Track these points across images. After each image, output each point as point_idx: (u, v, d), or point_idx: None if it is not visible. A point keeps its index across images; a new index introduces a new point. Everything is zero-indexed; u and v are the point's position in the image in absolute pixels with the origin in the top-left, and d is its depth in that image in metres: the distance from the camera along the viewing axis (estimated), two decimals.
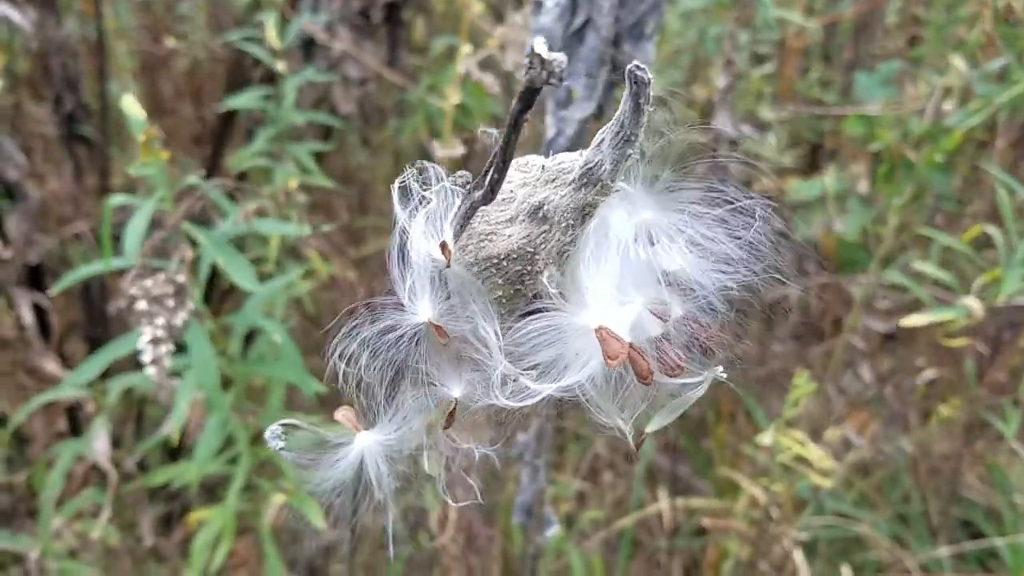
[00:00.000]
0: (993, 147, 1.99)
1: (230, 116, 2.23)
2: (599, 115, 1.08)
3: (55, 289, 1.27)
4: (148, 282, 1.14)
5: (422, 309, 0.49)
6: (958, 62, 1.82)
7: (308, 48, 2.15)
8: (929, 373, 1.99)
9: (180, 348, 1.36)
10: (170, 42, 2.55)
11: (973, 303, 1.57)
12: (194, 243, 1.21)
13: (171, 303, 1.13)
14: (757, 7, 1.71)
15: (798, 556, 1.60)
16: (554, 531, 1.37)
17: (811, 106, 2.31)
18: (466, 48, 1.64)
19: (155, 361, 1.15)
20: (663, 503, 1.92)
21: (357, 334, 0.51)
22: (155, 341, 1.15)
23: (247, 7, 2.23)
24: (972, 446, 1.95)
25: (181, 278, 1.15)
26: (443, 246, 0.47)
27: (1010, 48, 1.83)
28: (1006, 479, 1.94)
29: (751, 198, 0.50)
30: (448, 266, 0.47)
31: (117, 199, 1.21)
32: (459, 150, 1.76)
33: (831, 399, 2.01)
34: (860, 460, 1.97)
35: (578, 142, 1.08)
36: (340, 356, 0.51)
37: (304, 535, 1.93)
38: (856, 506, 1.94)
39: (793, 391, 1.36)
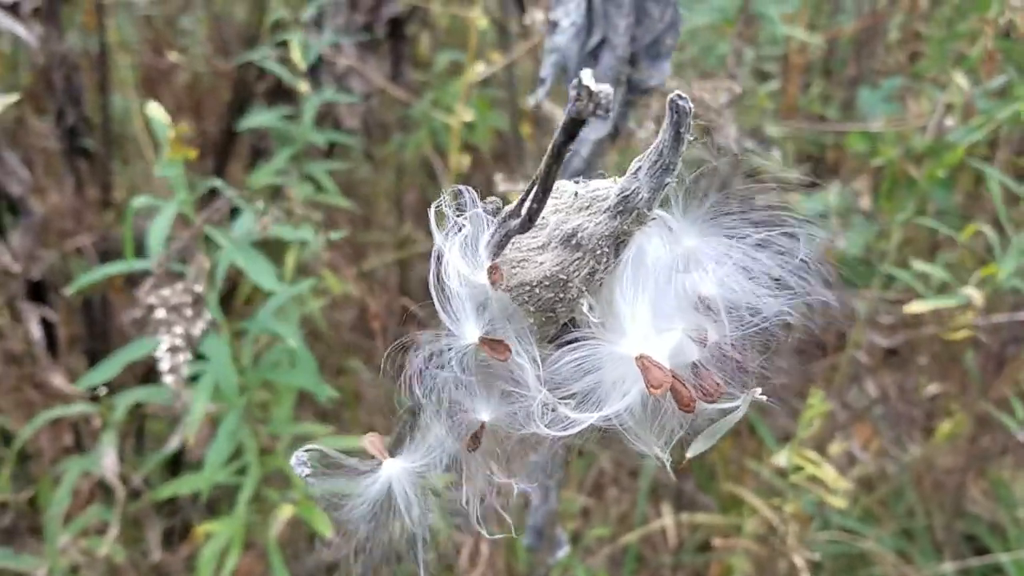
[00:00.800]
0: (994, 162, 2.00)
1: (234, 131, 2.23)
2: (615, 135, 1.08)
3: (73, 287, 1.26)
4: (166, 291, 1.14)
5: (469, 331, 0.48)
6: (960, 78, 1.83)
7: (313, 63, 2.15)
8: (933, 388, 1.99)
9: (195, 355, 1.36)
10: (172, 56, 2.55)
11: (973, 292, 1.57)
12: (210, 245, 1.21)
13: (189, 312, 1.13)
14: (762, 23, 1.72)
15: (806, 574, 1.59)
16: (564, 552, 1.36)
17: (814, 122, 2.32)
18: (479, 67, 1.64)
19: (173, 369, 1.15)
20: (667, 519, 1.91)
21: (412, 363, 0.50)
22: (173, 350, 1.15)
23: (266, 28, 2.23)
24: (976, 460, 1.96)
25: (199, 287, 1.15)
26: (493, 269, 0.46)
27: (1012, 64, 1.84)
28: (1011, 494, 1.94)
29: (787, 222, 0.50)
30: (496, 290, 0.46)
31: (140, 200, 1.21)
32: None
33: (835, 414, 2.01)
34: (864, 475, 1.97)
35: (593, 162, 1.08)
36: (402, 385, 0.51)
37: (306, 553, 1.92)
38: (860, 521, 1.94)
39: (807, 410, 1.36)
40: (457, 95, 1.77)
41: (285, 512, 1.48)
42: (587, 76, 0.37)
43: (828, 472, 1.39)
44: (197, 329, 1.13)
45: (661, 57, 1.08)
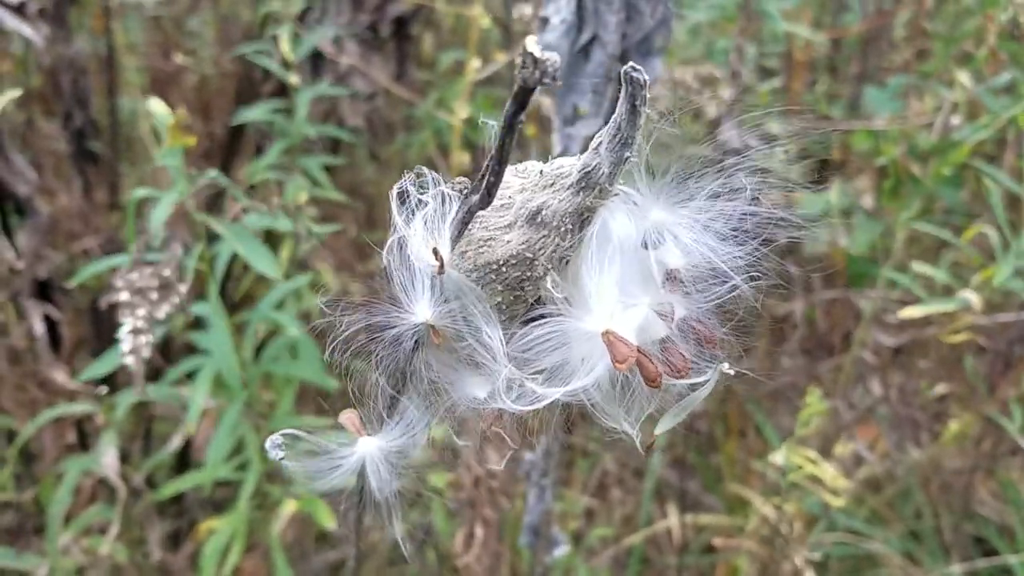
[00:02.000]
0: (1002, 161, 1.98)
1: (239, 131, 2.24)
2: None
3: (75, 280, 1.28)
4: (133, 275, 1.15)
5: (420, 310, 0.48)
6: (964, 77, 1.82)
7: (316, 62, 2.15)
8: (940, 388, 1.97)
9: (193, 350, 1.36)
10: (179, 58, 2.57)
11: (971, 295, 1.56)
12: (210, 237, 1.22)
13: (155, 296, 1.14)
14: (764, 20, 1.72)
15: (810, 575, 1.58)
16: (562, 551, 1.36)
17: (819, 120, 2.31)
18: (475, 63, 1.64)
19: (134, 351, 1.16)
20: (672, 519, 1.90)
21: (357, 329, 0.50)
22: (135, 332, 1.16)
23: (257, 23, 2.24)
24: (984, 461, 1.94)
25: (167, 272, 1.16)
26: (435, 251, 0.46)
27: (1016, 63, 1.83)
28: (1019, 495, 1.92)
29: (749, 188, 0.49)
30: (441, 272, 0.47)
31: (140, 192, 1.22)
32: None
33: (841, 414, 2.00)
34: (871, 476, 1.96)
35: None
36: (341, 351, 0.51)
37: (311, 552, 1.93)
38: (867, 522, 1.92)
39: (805, 409, 1.35)
40: (459, 94, 1.77)
41: (288, 508, 1.48)
42: (531, 43, 0.37)
43: (827, 471, 1.38)
44: (162, 312, 1.14)
45: (652, 54, 1.08)
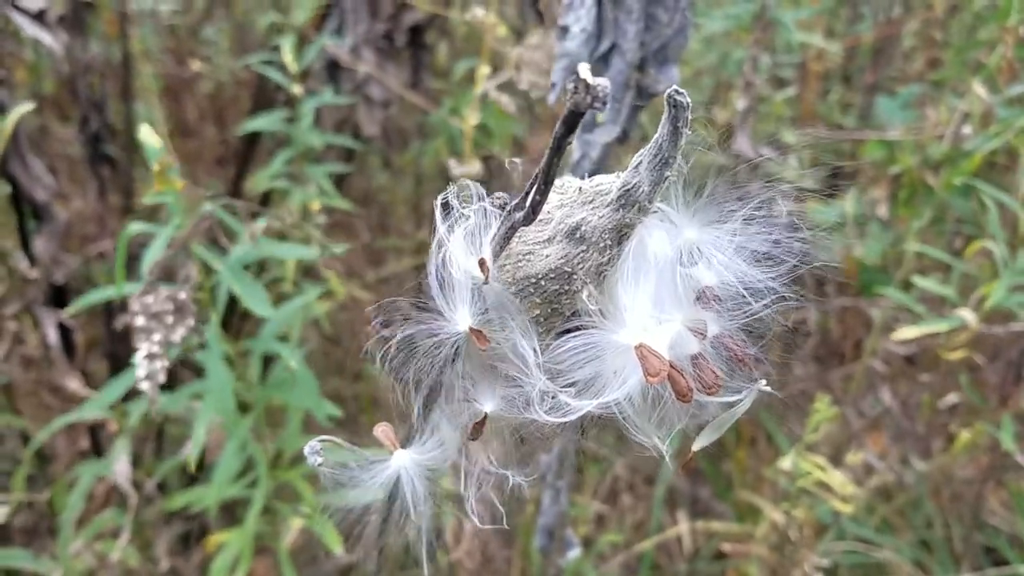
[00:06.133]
0: (1015, 171, 1.99)
1: (254, 138, 2.25)
2: (624, 139, 1.09)
3: (71, 309, 1.28)
4: (149, 299, 1.15)
5: (461, 318, 0.49)
6: (978, 87, 1.82)
7: (332, 70, 2.16)
8: (952, 397, 1.98)
9: (200, 372, 1.36)
10: (194, 65, 2.58)
11: (967, 314, 1.56)
12: (210, 269, 1.22)
13: (170, 320, 1.14)
14: (778, 30, 1.72)
15: None
16: (575, 553, 1.36)
17: (832, 130, 2.32)
18: (485, 69, 1.65)
19: (149, 376, 1.16)
20: (683, 526, 1.91)
21: (395, 334, 0.51)
22: (151, 357, 1.16)
23: (270, 29, 2.26)
24: (994, 471, 1.94)
25: (183, 295, 1.16)
26: (481, 263, 0.47)
27: None
28: None
29: (785, 214, 0.50)
30: (487, 282, 0.47)
31: (135, 227, 1.22)
32: (475, 168, 1.78)
33: (851, 422, 2.01)
34: (882, 484, 1.96)
35: (603, 165, 1.09)
36: (379, 354, 0.52)
37: (321, 557, 1.93)
38: (878, 531, 1.93)
39: (814, 416, 1.36)
40: (470, 101, 1.79)
41: (295, 524, 1.49)
42: (584, 70, 0.38)
43: (835, 477, 1.39)
44: (177, 336, 1.15)
45: (669, 62, 1.09)
